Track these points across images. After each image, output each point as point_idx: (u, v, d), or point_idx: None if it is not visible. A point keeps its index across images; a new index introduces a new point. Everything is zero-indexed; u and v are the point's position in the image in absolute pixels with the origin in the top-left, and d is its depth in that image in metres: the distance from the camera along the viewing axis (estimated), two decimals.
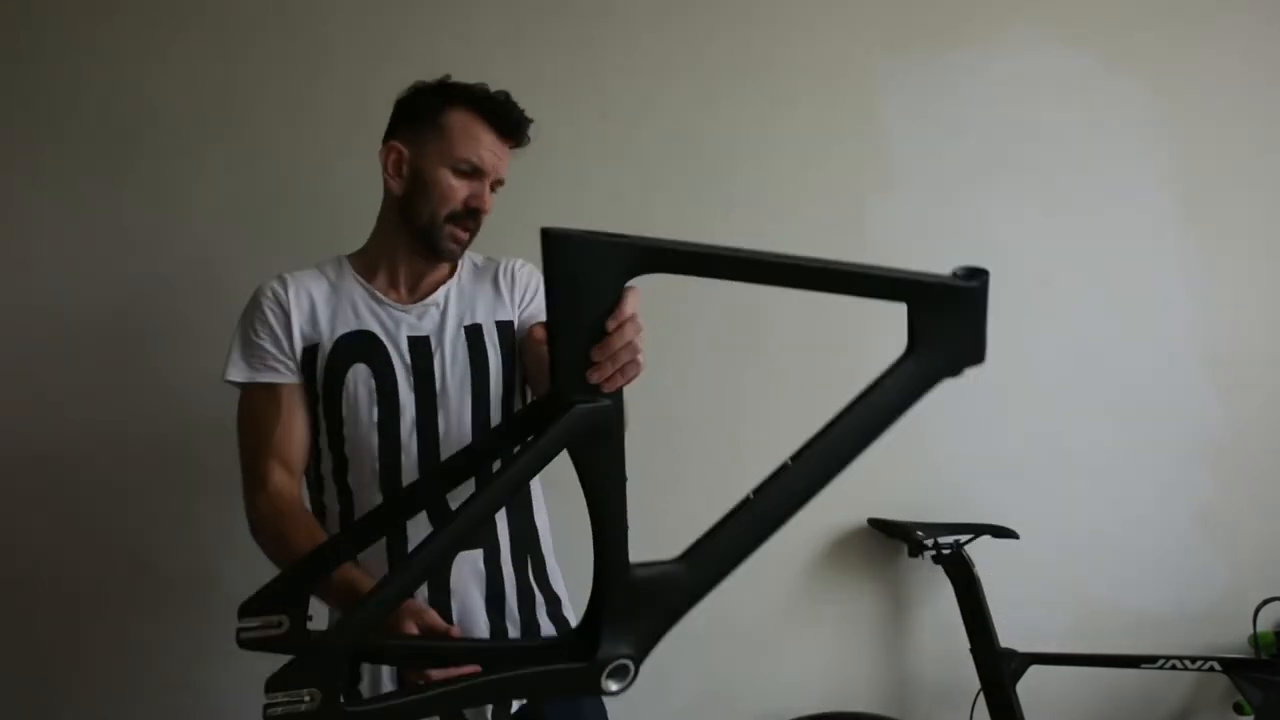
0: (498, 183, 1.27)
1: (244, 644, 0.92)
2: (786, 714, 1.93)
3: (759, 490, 0.88)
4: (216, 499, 1.82)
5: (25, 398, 1.80)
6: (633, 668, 0.88)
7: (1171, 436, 2.01)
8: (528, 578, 1.28)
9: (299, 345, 1.23)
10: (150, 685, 1.83)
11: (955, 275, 0.89)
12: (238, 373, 1.24)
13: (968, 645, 1.83)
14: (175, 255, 1.82)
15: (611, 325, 0.76)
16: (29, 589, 1.80)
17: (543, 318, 1.25)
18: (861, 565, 1.95)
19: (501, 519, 1.25)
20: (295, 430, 1.23)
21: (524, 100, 1.29)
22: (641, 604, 0.88)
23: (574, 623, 1.30)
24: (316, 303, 1.25)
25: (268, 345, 1.23)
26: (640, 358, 0.80)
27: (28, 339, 1.80)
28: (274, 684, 0.80)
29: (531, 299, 1.34)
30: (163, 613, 1.82)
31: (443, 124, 1.22)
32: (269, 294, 1.25)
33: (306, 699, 0.80)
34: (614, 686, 0.88)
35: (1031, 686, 1.79)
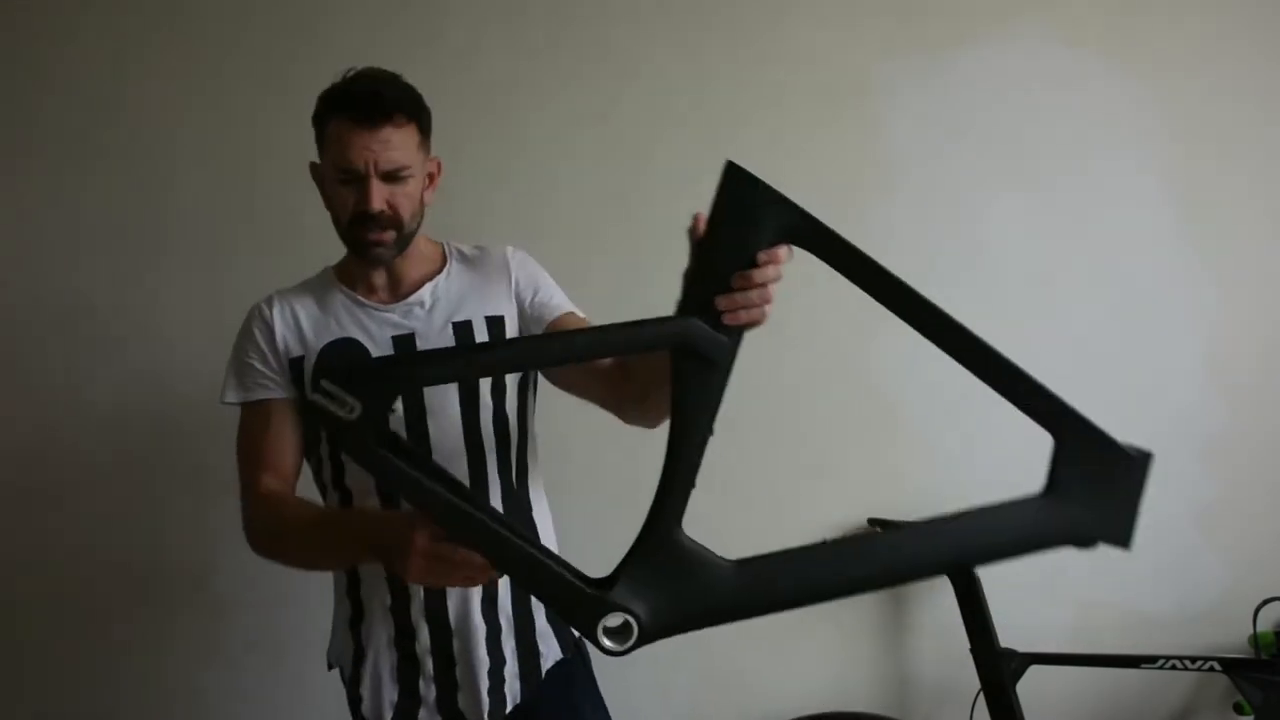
0: (397, 172, 1.15)
1: (311, 404, 0.91)
2: (786, 714, 1.93)
3: (836, 542, 0.86)
4: (215, 500, 1.83)
5: (24, 397, 1.80)
6: (635, 632, 0.82)
7: (1171, 436, 2.01)
8: None
9: (285, 359, 1.23)
10: (149, 685, 1.83)
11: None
12: (232, 394, 1.25)
13: (968, 645, 1.83)
14: (176, 256, 1.82)
15: (763, 258, 0.81)
16: (28, 588, 1.81)
17: (555, 306, 1.25)
18: None
19: (500, 511, 1.24)
20: (285, 442, 1.22)
21: (524, 101, 1.28)
22: (673, 572, 0.84)
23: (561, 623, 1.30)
24: (300, 316, 1.24)
25: (256, 364, 1.23)
26: (768, 309, 0.83)
27: (27, 338, 1.80)
28: (332, 375, 0.83)
29: (536, 290, 1.28)
30: (162, 613, 1.82)
31: (325, 138, 1.18)
32: (256, 314, 1.26)
33: (348, 409, 0.81)
34: (608, 643, 0.83)
35: (1031, 686, 1.79)
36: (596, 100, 1.87)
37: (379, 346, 1.21)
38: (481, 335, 1.23)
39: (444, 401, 1.20)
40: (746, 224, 0.82)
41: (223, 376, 1.27)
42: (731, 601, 0.84)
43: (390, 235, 1.18)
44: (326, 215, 1.84)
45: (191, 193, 1.83)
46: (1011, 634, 1.81)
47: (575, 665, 1.32)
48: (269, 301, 1.26)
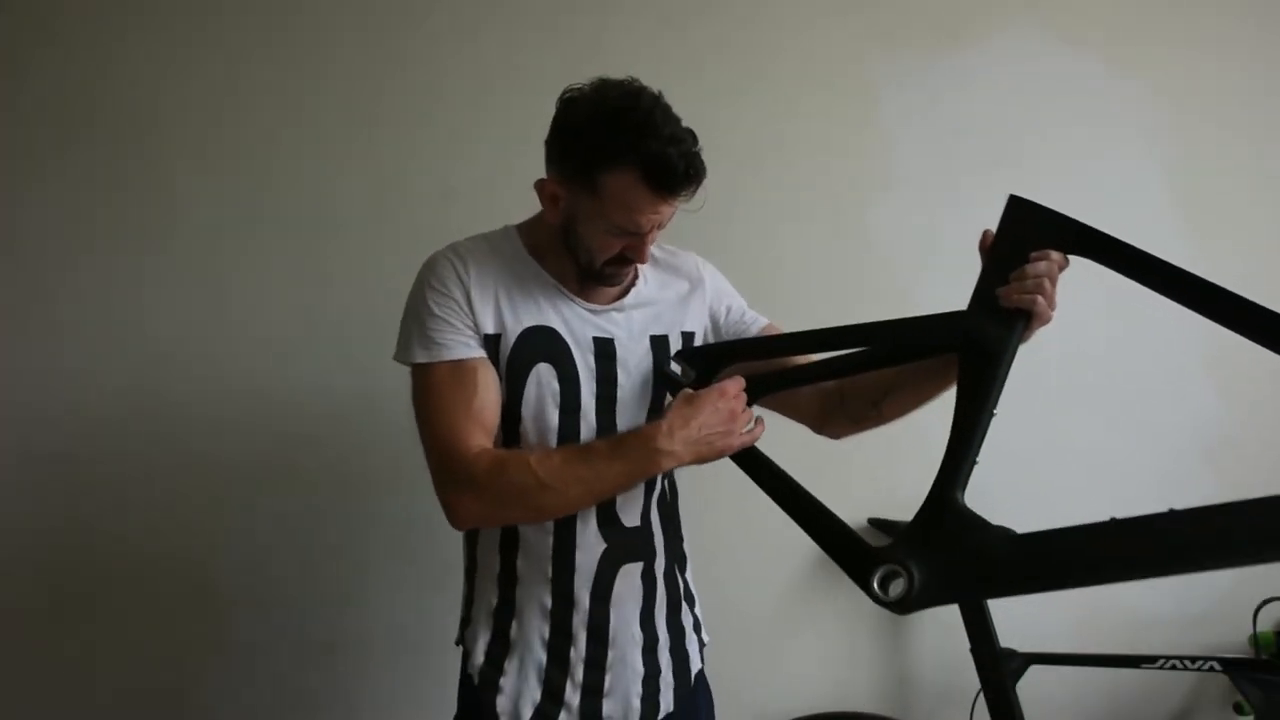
0: (660, 226, 1.13)
1: (661, 371, 1.19)
2: (786, 714, 1.93)
3: (1124, 522, 0.81)
4: (215, 499, 1.83)
5: (25, 395, 1.80)
6: (905, 586, 0.90)
7: (1171, 435, 2.01)
8: (677, 587, 1.28)
9: (480, 332, 1.13)
10: (149, 684, 1.83)
11: None
12: (422, 354, 1.11)
13: (968, 645, 1.83)
14: (177, 256, 1.82)
15: (1034, 255, 0.99)
16: (27, 588, 1.81)
17: (750, 321, 1.29)
18: None
19: (657, 524, 1.23)
20: (493, 404, 1.12)
21: (524, 106, 1.26)
22: (951, 537, 0.91)
23: (704, 627, 1.33)
24: (499, 294, 1.14)
25: (455, 322, 1.12)
26: (1042, 300, 0.98)
27: (26, 338, 1.80)
28: (679, 355, 1.21)
29: (729, 308, 1.29)
30: (162, 613, 1.82)
31: (599, 188, 1.06)
32: (451, 273, 1.13)
33: (688, 376, 1.18)
34: (879, 588, 0.91)
35: (1031, 686, 1.79)
36: None
37: (579, 344, 1.16)
38: (675, 349, 1.22)
39: (636, 415, 1.19)
40: (1024, 236, 0.99)
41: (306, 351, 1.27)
42: (1010, 575, 0.88)
43: (633, 267, 1.18)
44: (334, 219, 1.84)
45: (199, 198, 1.83)
46: (1011, 634, 1.81)
47: (704, 678, 1.33)
48: (461, 262, 1.14)
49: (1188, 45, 2.01)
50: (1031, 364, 1.97)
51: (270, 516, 1.83)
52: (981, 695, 1.81)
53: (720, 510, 1.85)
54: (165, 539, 1.82)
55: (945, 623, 1.89)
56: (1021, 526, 1.91)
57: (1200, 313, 0.93)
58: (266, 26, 1.84)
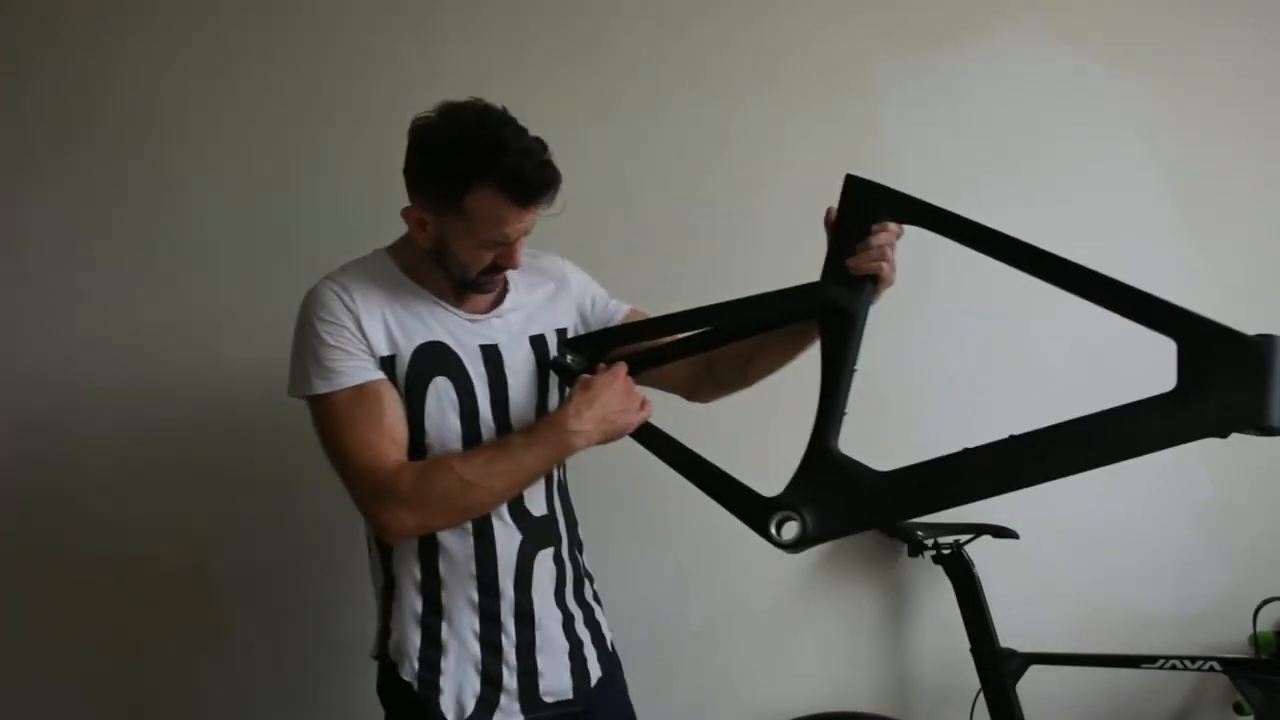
0: (526, 233, 1.20)
1: (553, 361, 1.27)
2: (786, 714, 1.93)
3: (975, 449, 0.94)
4: (215, 499, 1.83)
5: (23, 395, 1.80)
6: (799, 527, 1.01)
7: None
8: (579, 567, 1.37)
9: (375, 356, 1.19)
10: (148, 685, 1.83)
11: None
12: (324, 384, 1.16)
13: (968, 645, 1.83)
14: (177, 256, 1.83)
15: (875, 228, 1.09)
16: (27, 588, 1.81)
17: (616, 308, 1.38)
18: (861, 565, 1.95)
19: (559, 511, 1.32)
20: (401, 420, 1.19)
21: (524, 103, 1.27)
22: (831, 480, 1.02)
23: (602, 604, 1.41)
24: (387, 316, 1.20)
25: (350, 349, 1.17)
26: (887, 266, 1.09)
27: (25, 337, 1.80)
28: (567, 344, 1.27)
29: (594, 299, 1.38)
30: (162, 613, 1.82)
31: (465, 209, 1.12)
32: (336, 300, 1.18)
33: (577, 363, 1.24)
34: (775, 532, 1.03)
35: (1031, 686, 1.79)
36: (596, 102, 1.87)
37: (468, 354, 1.23)
38: (552, 346, 1.30)
39: (526, 414, 1.26)
40: (863, 210, 1.08)
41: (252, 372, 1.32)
42: (885, 505, 0.98)
43: (504, 275, 1.25)
44: (332, 218, 1.85)
45: (197, 198, 1.83)
46: (1011, 634, 1.82)
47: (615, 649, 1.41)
48: (345, 290, 1.19)
49: (1188, 45, 2.01)
50: (1032, 364, 2.00)
51: (270, 517, 1.83)
52: (981, 695, 1.81)
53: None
54: (165, 539, 1.82)
55: (945, 622, 1.89)
56: (1021, 526, 1.91)
57: (1028, 273, 1.03)
58: (266, 26, 1.85)
